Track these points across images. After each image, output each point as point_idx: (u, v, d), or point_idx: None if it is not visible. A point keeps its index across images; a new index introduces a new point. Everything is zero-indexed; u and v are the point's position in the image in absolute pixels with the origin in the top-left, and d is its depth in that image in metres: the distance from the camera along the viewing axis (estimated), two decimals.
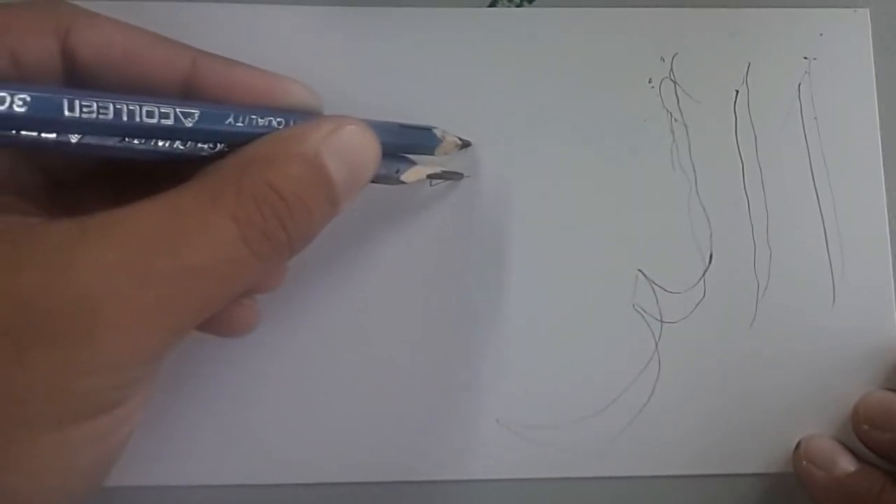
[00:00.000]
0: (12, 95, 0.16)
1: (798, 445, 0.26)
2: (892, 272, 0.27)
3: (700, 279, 0.27)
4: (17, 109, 0.16)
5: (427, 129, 0.25)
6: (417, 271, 0.26)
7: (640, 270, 0.27)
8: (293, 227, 0.18)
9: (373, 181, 0.21)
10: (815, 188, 0.27)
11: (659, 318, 0.27)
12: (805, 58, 0.28)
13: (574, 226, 0.27)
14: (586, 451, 0.26)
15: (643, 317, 0.27)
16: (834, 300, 0.27)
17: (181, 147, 0.19)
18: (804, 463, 0.26)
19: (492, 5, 0.28)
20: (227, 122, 0.19)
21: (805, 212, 0.27)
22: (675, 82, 0.28)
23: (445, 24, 0.28)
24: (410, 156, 0.25)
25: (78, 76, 0.20)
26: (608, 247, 0.27)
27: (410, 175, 0.24)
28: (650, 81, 0.28)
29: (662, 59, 0.28)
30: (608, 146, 0.27)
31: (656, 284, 0.27)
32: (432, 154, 0.25)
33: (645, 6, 0.28)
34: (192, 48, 0.21)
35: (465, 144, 0.26)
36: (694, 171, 0.27)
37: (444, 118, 0.27)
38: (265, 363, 0.26)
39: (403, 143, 0.24)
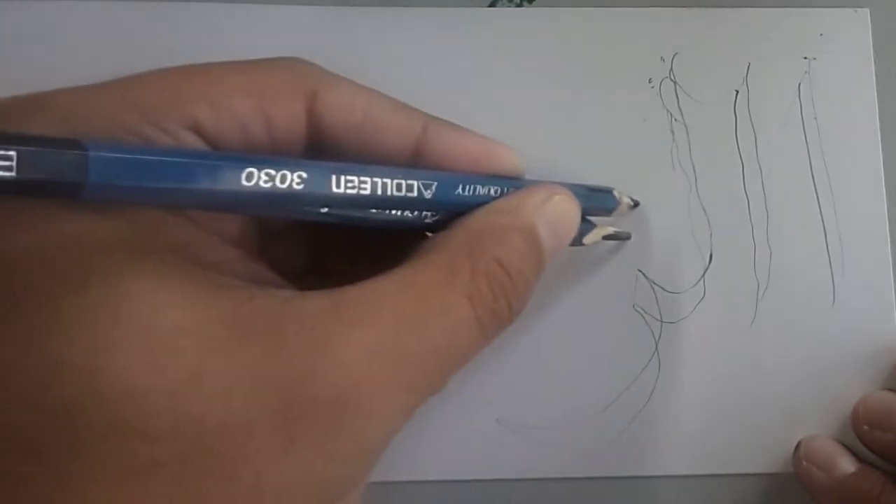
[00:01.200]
0: (292, 173, 0.16)
1: (798, 446, 0.26)
2: (892, 272, 0.27)
3: (700, 279, 0.27)
4: (295, 187, 0.16)
5: (608, 192, 0.25)
6: None
7: (640, 270, 0.27)
8: (515, 301, 0.18)
9: None
10: (815, 188, 0.27)
11: (659, 318, 0.27)
12: (805, 58, 0.28)
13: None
14: (586, 451, 0.26)
15: (643, 317, 0.27)
16: (834, 300, 0.27)
17: (409, 215, 0.19)
18: (804, 463, 0.26)
19: (492, 5, 0.28)
20: (456, 192, 0.19)
21: (805, 212, 0.27)
22: (675, 82, 0.28)
23: (445, 24, 0.28)
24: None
25: (319, 140, 0.20)
26: (608, 247, 0.27)
27: (592, 237, 0.24)
28: (650, 81, 0.28)
29: (662, 59, 0.28)
30: (608, 146, 0.27)
31: (656, 284, 0.27)
32: (609, 216, 0.25)
33: (645, 6, 0.28)
34: (422, 113, 0.21)
35: (636, 204, 0.27)
36: (694, 171, 0.27)
37: (443, 118, 0.27)
38: None
39: (589, 207, 0.24)
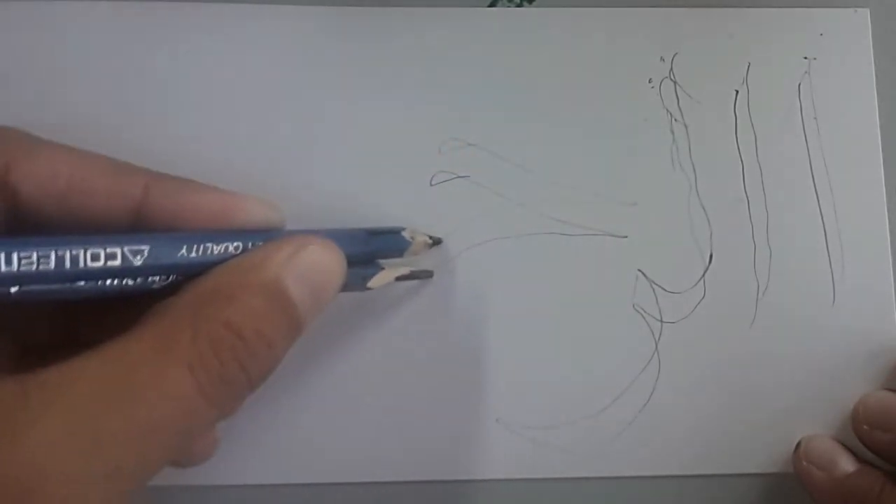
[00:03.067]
0: None
1: (798, 445, 0.26)
2: (892, 272, 0.27)
3: (700, 279, 0.27)
4: None
5: (395, 233, 0.24)
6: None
7: (640, 270, 0.27)
8: (253, 365, 0.17)
9: None
10: (815, 188, 0.27)
11: (659, 318, 0.27)
12: (805, 58, 0.28)
13: (574, 225, 0.27)
14: (586, 451, 0.26)
15: (643, 317, 0.27)
16: (834, 300, 0.27)
17: (130, 283, 0.18)
18: (804, 463, 0.26)
19: (492, 5, 0.28)
20: (179, 254, 0.18)
21: (805, 212, 0.27)
22: (675, 82, 0.28)
23: (445, 24, 0.28)
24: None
25: (19, 211, 0.19)
26: (608, 247, 0.27)
27: (378, 280, 0.23)
28: (650, 81, 0.28)
29: (662, 59, 0.28)
30: (608, 146, 0.27)
31: (656, 284, 0.27)
32: (401, 256, 0.24)
33: (645, 6, 0.28)
34: (144, 172, 0.20)
35: (436, 242, 0.26)
36: (694, 171, 0.27)
37: (443, 118, 0.27)
38: None
39: (371, 251, 0.23)
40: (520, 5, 0.28)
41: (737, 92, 0.28)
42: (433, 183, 0.27)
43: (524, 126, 0.27)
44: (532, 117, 0.27)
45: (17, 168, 0.18)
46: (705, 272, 0.27)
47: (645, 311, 0.27)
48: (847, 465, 0.25)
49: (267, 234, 0.20)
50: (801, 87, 0.28)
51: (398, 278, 0.25)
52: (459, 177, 0.27)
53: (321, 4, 0.28)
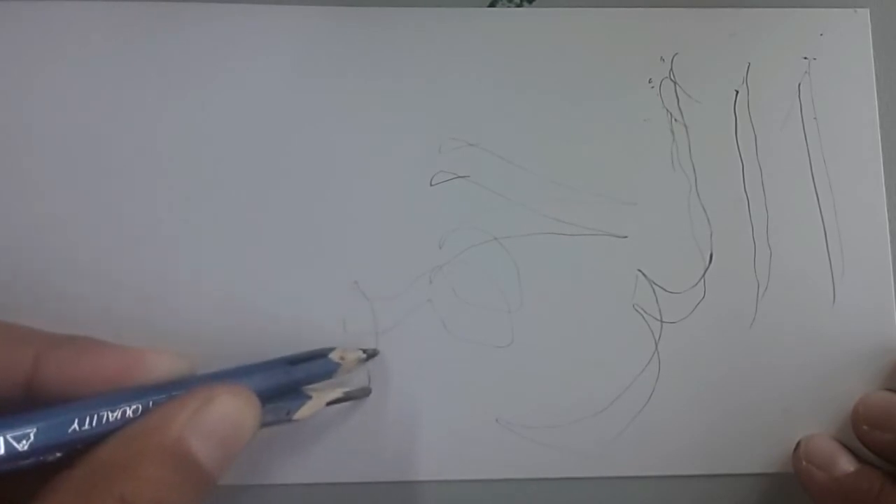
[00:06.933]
0: None
1: (798, 445, 0.26)
2: (892, 272, 0.27)
3: (700, 279, 0.27)
4: None
5: (322, 356, 0.23)
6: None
7: (640, 270, 0.27)
8: None
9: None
10: (815, 188, 0.27)
11: (659, 318, 0.27)
12: (805, 58, 0.28)
13: (573, 225, 0.27)
14: (586, 451, 0.26)
15: (643, 317, 0.27)
16: (834, 300, 0.27)
17: (24, 462, 0.17)
18: (804, 463, 0.26)
19: (492, 5, 0.28)
20: (70, 430, 0.17)
21: (805, 212, 0.27)
22: (675, 82, 0.28)
23: (445, 24, 0.28)
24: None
25: None
26: (608, 247, 0.27)
27: (304, 411, 0.22)
28: (650, 81, 0.28)
29: (662, 59, 0.28)
30: (608, 146, 0.27)
31: (656, 284, 0.27)
32: (331, 378, 0.23)
33: (645, 6, 0.28)
34: (36, 339, 0.19)
35: (371, 355, 0.25)
36: (694, 171, 0.27)
37: (443, 118, 0.27)
38: None
39: (295, 380, 0.22)
40: (520, 5, 0.28)
41: (737, 92, 0.28)
42: (433, 183, 0.27)
43: (524, 126, 0.27)
44: (532, 117, 0.27)
45: None
46: (705, 272, 0.27)
47: (645, 311, 0.27)
48: (847, 465, 0.25)
49: (170, 388, 0.18)
50: (801, 87, 0.28)
51: (329, 403, 0.23)
52: (459, 177, 0.27)
53: (321, 4, 0.28)
